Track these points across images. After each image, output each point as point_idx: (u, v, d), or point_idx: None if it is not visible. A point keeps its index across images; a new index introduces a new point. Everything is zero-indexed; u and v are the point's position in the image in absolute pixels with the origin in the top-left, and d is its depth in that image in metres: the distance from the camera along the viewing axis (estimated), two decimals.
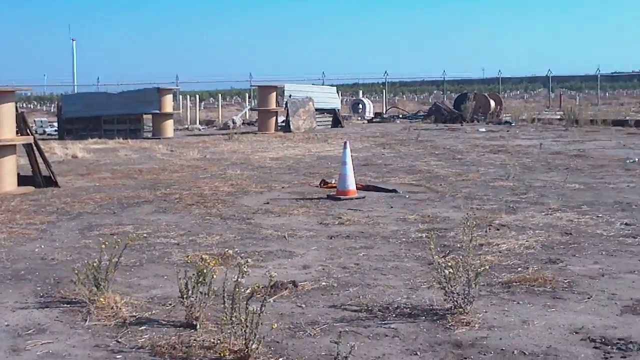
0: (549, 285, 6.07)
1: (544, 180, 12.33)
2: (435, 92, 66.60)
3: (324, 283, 6.29)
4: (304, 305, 5.66)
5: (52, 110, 51.77)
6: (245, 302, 4.63)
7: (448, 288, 5.30)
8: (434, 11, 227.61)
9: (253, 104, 35.65)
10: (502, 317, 5.32)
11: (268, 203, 10.53)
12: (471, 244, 5.67)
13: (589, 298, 5.75)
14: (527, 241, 7.70)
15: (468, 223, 5.82)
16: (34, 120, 29.29)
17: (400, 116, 35.28)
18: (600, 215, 9.08)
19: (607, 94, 61.45)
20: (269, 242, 7.99)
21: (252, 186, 12.23)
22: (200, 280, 5.09)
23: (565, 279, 6.26)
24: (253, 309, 4.56)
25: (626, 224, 8.56)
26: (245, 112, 34.30)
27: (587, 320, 5.23)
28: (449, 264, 5.37)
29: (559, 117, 29.88)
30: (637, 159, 14.98)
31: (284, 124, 27.01)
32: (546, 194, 10.90)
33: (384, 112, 37.92)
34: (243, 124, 31.34)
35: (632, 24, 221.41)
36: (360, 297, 5.79)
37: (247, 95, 42.76)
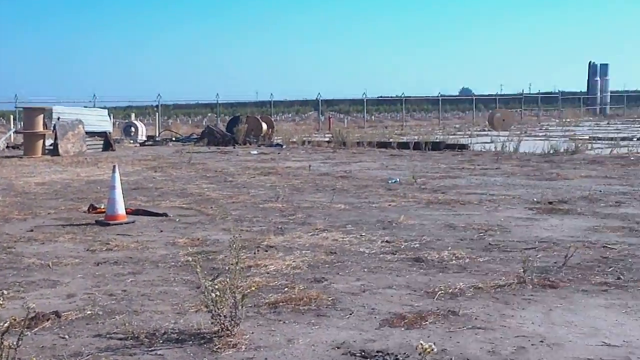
0: (313, 303, 6.26)
1: (312, 201, 12.71)
2: (209, 115, 66.68)
3: (89, 312, 6.12)
4: (67, 336, 5.47)
5: None
6: (0, 337, 4.41)
7: (215, 311, 5.33)
8: (206, 33, 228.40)
9: (19, 127, 34.03)
10: (269, 337, 5.42)
11: (32, 230, 10.09)
12: (237, 266, 5.74)
13: (350, 314, 6.00)
14: (294, 261, 7.90)
15: (234, 245, 5.89)
16: None
17: (174, 139, 35.03)
18: (363, 234, 9.49)
19: (373, 117, 64.48)
20: (32, 272, 7.65)
21: (14, 213, 11.66)
22: None
23: (330, 297, 6.49)
24: (9, 344, 4.35)
25: (387, 241, 9.01)
26: (10, 135, 32.64)
27: (348, 335, 5.45)
28: (216, 286, 5.41)
29: (327, 139, 30.89)
30: (398, 179, 15.82)
31: (52, 148, 25.99)
32: (313, 214, 11.25)
33: (157, 135, 37.51)
34: (7, 147, 29.81)
35: (396, 53, 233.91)
36: (127, 324, 5.67)
37: (12, 117, 40.65)
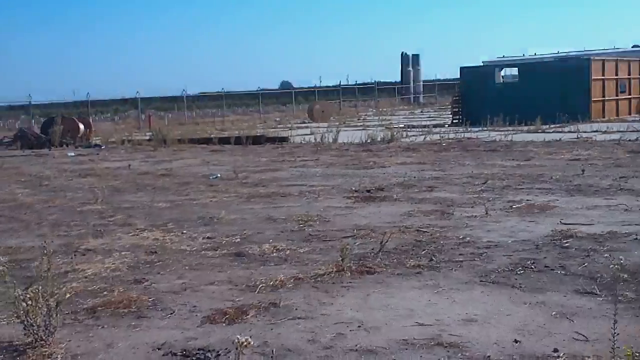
0: (134, 305, 6.15)
1: (132, 201, 12.47)
2: (22, 117, 63.79)
3: None
4: None
5: None
6: None
7: (27, 321, 5.13)
8: (13, 27, 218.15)
9: None
10: (87, 343, 5.28)
11: None
12: (50, 272, 5.54)
13: (172, 313, 5.94)
14: (113, 264, 7.72)
15: (46, 251, 5.68)
16: None
17: None
18: (184, 232, 9.42)
19: (194, 114, 63.87)
20: None
21: None
22: None
23: (150, 297, 6.39)
24: None
25: (208, 237, 8.98)
26: None
27: (170, 335, 5.39)
28: (28, 295, 5.20)
29: (148, 137, 30.34)
30: (219, 175, 15.79)
31: None
32: (134, 214, 11.04)
33: None
34: None
35: (215, 48, 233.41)
36: None
37: None
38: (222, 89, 57.78)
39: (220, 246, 8.45)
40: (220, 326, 5.55)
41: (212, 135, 30.03)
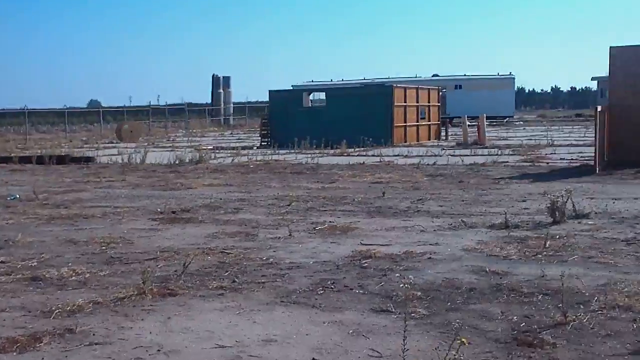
0: None
1: None
2: None
3: None
4: None
5: None
6: None
7: None
8: None
9: None
10: None
11: None
12: None
13: None
14: None
15: None
16: None
17: None
18: None
19: None
20: None
21: None
22: None
23: None
24: None
25: (2, 262, 8.53)
26: None
27: None
28: None
29: None
30: (18, 196, 15.08)
31: None
32: None
33: None
34: None
35: (18, 62, 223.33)
36: None
37: None
38: (25, 105, 55.25)
39: (14, 270, 8.06)
40: (10, 356, 5.30)
41: (12, 154, 28.66)
